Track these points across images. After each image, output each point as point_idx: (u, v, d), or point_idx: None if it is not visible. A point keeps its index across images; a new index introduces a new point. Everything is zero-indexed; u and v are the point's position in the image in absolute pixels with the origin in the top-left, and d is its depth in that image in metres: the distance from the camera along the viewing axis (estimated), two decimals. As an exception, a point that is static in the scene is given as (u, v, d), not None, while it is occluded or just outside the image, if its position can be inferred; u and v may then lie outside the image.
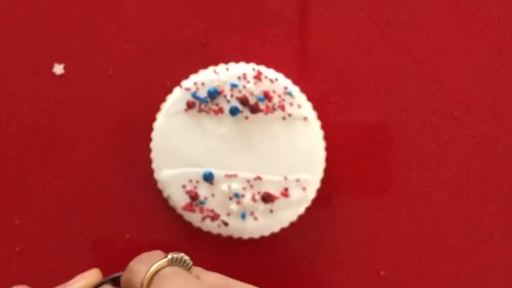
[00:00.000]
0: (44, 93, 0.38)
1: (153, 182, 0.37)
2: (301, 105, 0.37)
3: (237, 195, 0.36)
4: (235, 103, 0.36)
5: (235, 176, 0.36)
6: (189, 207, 0.37)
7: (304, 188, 0.36)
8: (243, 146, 0.36)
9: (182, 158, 0.36)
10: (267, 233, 0.37)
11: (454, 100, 0.39)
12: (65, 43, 0.38)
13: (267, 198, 0.36)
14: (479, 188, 0.39)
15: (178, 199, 0.37)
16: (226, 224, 0.36)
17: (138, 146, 0.38)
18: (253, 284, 0.30)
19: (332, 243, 0.39)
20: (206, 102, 0.36)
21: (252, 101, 0.36)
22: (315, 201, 0.37)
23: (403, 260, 0.39)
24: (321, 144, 0.37)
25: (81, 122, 0.39)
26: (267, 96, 0.36)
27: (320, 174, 0.37)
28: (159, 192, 0.37)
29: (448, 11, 0.39)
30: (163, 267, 0.30)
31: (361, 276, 0.39)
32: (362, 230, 0.39)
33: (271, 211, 0.36)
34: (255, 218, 0.36)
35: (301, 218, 0.37)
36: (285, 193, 0.36)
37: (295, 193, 0.36)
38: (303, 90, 0.37)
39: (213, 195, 0.36)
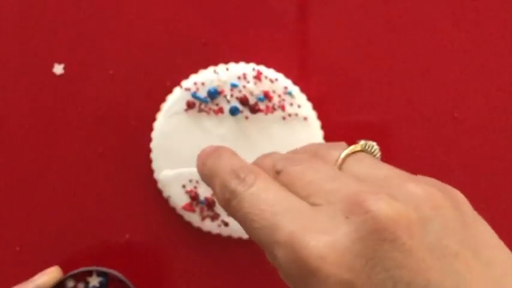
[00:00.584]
0: (44, 93, 0.38)
1: (153, 182, 0.37)
2: (301, 105, 0.37)
3: (237, 195, 0.36)
4: (235, 103, 0.36)
5: (235, 176, 0.36)
6: (189, 207, 0.37)
7: (304, 188, 0.36)
8: (243, 146, 0.36)
9: (182, 158, 0.36)
10: (267, 233, 0.37)
11: (454, 100, 0.39)
12: (65, 43, 0.38)
13: (267, 198, 0.36)
14: (479, 188, 0.39)
15: (178, 199, 0.37)
16: (226, 224, 0.36)
17: (138, 146, 0.38)
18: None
19: (332, 243, 0.39)
20: (206, 102, 0.36)
21: (252, 101, 0.36)
22: (315, 201, 0.37)
23: (403, 260, 0.39)
24: (321, 144, 0.37)
25: (81, 122, 0.39)
26: (267, 96, 0.36)
27: (320, 174, 0.37)
28: (159, 192, 0.37)
29: (448, 11, 0.39)
30: (356, 151, 0.27)
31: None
32: (362, 230, 0.39)
33: (271, 211, 0.36)
34: (255, 218, 0.36)
35: (301, 218, 0.37)
36: (285, 193, 0.36)
37: (295, 193, 0.36)
38: (303, 90, 0.37)
39: (213, 195, 0.36)
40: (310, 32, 0.39)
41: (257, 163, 0.28)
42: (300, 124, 0.37)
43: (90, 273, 0.37)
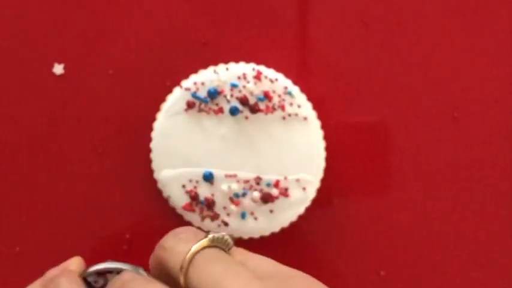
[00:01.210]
0: (44, 93, 0.38)
1: (153, 182, 0.37)
2: (301, 105, 0.37)
3: (237, 195, 0.36)
4: (235, 103, 0.36)
5: (235, 176, 0.36)
6: (189, 207, 0.37)
7: (304, 188, 0.36)
8: (243, 146, 0.36)
9: (182, 158, 0.36)
10: (267, 233, 0.37)
11: (454, 100, 0.39)
12: (65, 43, 0.38)
13: (267, 198, 0.36)
14: (479, 188, 0.39)
15: (178, 199, 0.37)
16: (226, 224, 0.36)
17: (138, 146, 0.38)
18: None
19: (332, 243, 0.39)
20: (206, 102, 0.36)
21: (252, 101, 0.36)
22: (315, 201, 0.37)
23: (403, 260, 0.39)
24: (321, 144, 0.37)
25: (81, 122, 0.39)
26: (267, 96, 0.36)
27: (320, 174, 0.37)
28: (159, 192, 0.37)
29: (448, 11, 0.39)
30: (204, 247, 0.26)
31: (361, 276, 0.39)
32: (362, 230, 0.39)
33: (271, 211, 0.36)
34: (255, 218, 0.36)
35: (301, 218, 0.37)
36: (285, 193, 0.36)
37: (295, 193, 0.36)
38: (303, 90, 0.37)
39: (213, 195, 0.36)
40: (310, 32, 0.39)
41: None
42: (300, 124, 0.37)
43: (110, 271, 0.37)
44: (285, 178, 0.36)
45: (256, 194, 0.36)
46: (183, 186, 0.36)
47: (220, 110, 0.36)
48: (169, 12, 0.39)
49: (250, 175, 0.36)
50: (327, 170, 0.37)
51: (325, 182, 0.37)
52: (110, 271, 0.36)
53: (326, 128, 0.37)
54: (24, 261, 0.39)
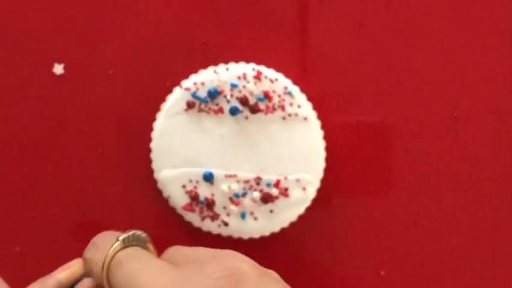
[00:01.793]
0: (44, 93, 0.38)
1: (153, 182, 0.37)
2: (301, 105, 0.37)
3: (237, 195, 0.36)
4: (235, 103, 0.36)
5: (235, 176, 0.36)
6: (189, 207, 0.37)
7: (304, 188, 0.36)
8: (243, 146, 0.36)
9: (182, 158, 0.36)
10: (267, 233, 0.37)
11: (454, 100, 0.39)
12: (65, 43, 0.38)
13: (267, 198, 0.36)
14: (479, 188, 0.39)
15: (178, 199, 0.37)
16: (226, 224, 0.36)
17: (138, 146, 0.38)
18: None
19: (332, 243, 0.39)
20: (206, 102, 0.36)
21: (252, 101, 0.36)
22: (315, 201, 0.37)
23: (403, 260, 0.39)
24: (321, 144, 0.37)
25: (81, 122, 0.39)
26: (267, 96, 0.36)
27: (320, 174, 0.37)
28: (159, 192, 0.37)
29: (448, 11, 0.39)
30: (118, 250, 0.28)
31: (361, 276, 0.39)
32: (362, 230, 0.39)
33: (271, 211, 0.36)
34: (255, 218, 0.36)
35: (301, 218, 0.37)
36: (285, 193, 0.36)
37: (295, 193, 0.36)
38: (303, 90, 0.37)
39: (213, 195, 0.36)
40: (310, 32, 0.39)
41: None
42: (300, 124, 0.37)
43: None
44: (285, 178, 0.36)
45: (256, 194, 0.36)
46: (183, 186, 0.36)
47: (220, 110, 0.36)
48: (169, 12, 0.39)
49: (250, 175, 0.36)
50: (327, 170, 0.37)
51: (325, 182, 0.37)
52: None
53: (326, 128, 0.37)
54: (24, 261, 0.39)
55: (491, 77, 0.39)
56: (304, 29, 0.39)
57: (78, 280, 0.35)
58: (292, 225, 0.37)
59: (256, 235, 0.37)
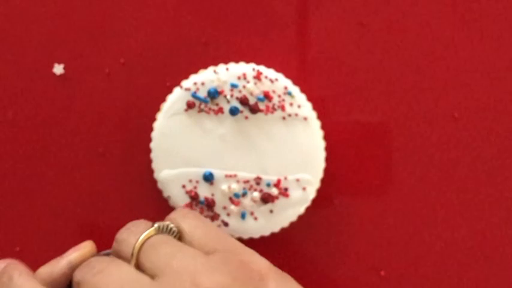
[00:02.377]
0: (44, 93, 0.38)
1: (153, 182, 0.37)
2: (301, 105, 0.37)
3: (237, 196, 0.36)
4: (235, 103, 0.36)
5: (235, 176, 0.36)
6: (189, 207, 0.37)
7: (304, 188, 0.36)
8: (243, 146, 0.36)
9: (182, 158, 0.36)
10: (267, 233, 0.37)
11: (454, 100, 0.39)
12: (65, 43, 0.38)
13: (267, 198, 0.36)
14: (480, 188, 0.39)
15: (178, 199, 0.37)
16: (226, 224, 0.36)
17: (138, 146, 0.38)
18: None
19: (332, 243, 0.39)
20: (206, 102, 0.36)
21: (252, 101, 0.36)
22: (315, 201, 0.37)
23: (403, 260, 0.39)
24: (321, 144, 0.37)
25: (81, 122, 0.39)
26: (267, 96, 0.36)
27: (320, 174, 0.37)
28: (159, 192, 0.37)
29: (448, 11, 0.39)
30: (151, 235, 0.30)
31: (361, 276, 0.39)
32: (362, 230, 0.39)
33: (271, 211, 0.36)
34: (255, 218, 0.36)
35: (301, 218, 0.37)
36: (285, 193, 0.36)
37: (295, 193, 0.36)
38: (303, 90, 0.37)
39: (213, 195, 0.36)
40: (310, 32, 0.39)
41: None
42: (300, 124, 0.37)
43: None
44: (285, 178, 0.36)
45: (256, 194, 0.36)
46: (183, 186, 0.36)
47: (220, 110, 0.36)
48: (169, 12, 0.39)
49: (250, 175, 0.36)
50: (327, 170, 0.37)
51: (325, 182, 0.37)
52: None
53: (326, 128, 0.37)
54: (24, 261, 0.39)
55: (491, 77, 0.39)
56: (304, 29, 0.39)
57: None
58: (292, 225, 0.37)
59: (256, 235, 0.37)
